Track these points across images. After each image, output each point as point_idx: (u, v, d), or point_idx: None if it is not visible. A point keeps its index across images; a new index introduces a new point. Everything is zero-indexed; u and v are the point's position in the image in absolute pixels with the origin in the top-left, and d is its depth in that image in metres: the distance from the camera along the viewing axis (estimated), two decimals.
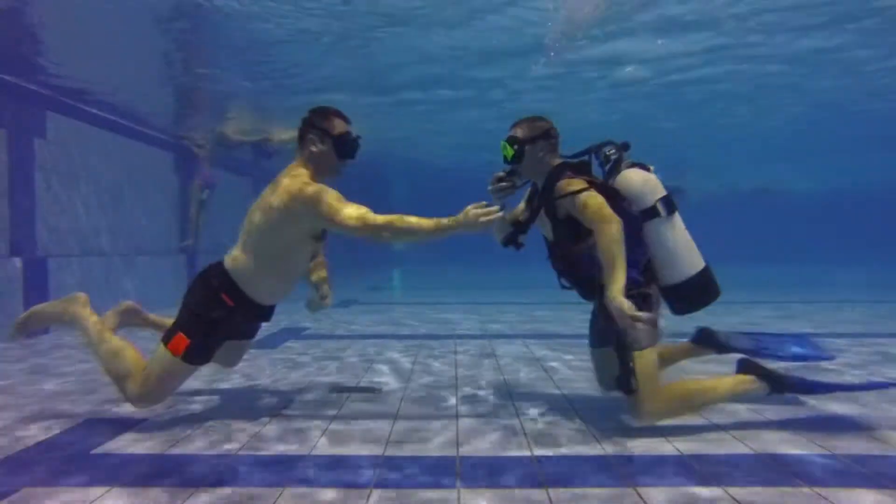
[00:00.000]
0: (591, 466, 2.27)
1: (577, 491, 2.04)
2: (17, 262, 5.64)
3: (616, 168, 2.81)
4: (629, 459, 2.34)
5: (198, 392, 3.46)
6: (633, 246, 2.61)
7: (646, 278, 2.72)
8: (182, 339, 2.71)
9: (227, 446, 2.53)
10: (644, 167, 2.80)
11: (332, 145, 2.79)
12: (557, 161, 2.83)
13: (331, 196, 2.61)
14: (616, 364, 2.63)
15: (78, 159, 6.75)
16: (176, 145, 8.95)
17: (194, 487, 2.08)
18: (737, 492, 2.01)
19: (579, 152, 2.86)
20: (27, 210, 5.98)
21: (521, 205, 3.08)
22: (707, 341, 3.02)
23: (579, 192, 2.58)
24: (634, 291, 2.59)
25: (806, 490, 2.02)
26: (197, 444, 2.57)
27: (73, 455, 2.43)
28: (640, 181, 2.73)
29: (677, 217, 2.75)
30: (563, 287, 2.93)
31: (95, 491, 2.06)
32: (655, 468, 2.25)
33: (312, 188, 2.62)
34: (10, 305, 5.44)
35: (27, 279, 5.69)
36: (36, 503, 1.98)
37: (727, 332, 3.00)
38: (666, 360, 2.95)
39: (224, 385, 3.63)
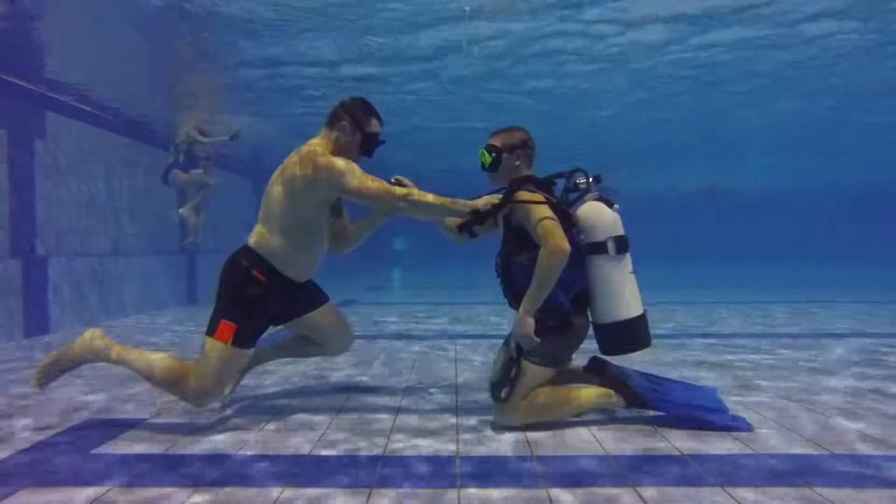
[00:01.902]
0: (592, 466, 2.27)
1: (578, 491, 2.04)
2: (17, 262, 5.64)
3: (582, 197, 2.85)
4: (629, 459, 2.34)
5: None
6: (573, 273, 2.67)
7: (574, 308, 2.74)
8: (228, 326, 2.73)
9: (228, 446, 2.53)
10: (609, 203, 2.83)
11: (360, 140, 2.90)
12: (528, 173, 2.89)
13: (354, 167, 2.73)
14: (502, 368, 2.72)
15: (78, 159, 6.76)
16: (175, 144, 8.93)
17: (194, 487, 2.09)
18: (737, 492, 2.01)
19: (552, 175, 2.90)
20: (27, 210, 5.98)
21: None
22: (600, 374, 2.91)
23: (537, 205, 2.62)
24: (556, 316, 2.67)
25: (806, 490, 2.03)
26: (197, 443, 2.57)
27: (73, 455, 2.43)
28: (600, 216, 2.76)
29: (626, 259, 2.77)
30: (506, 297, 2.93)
31: (95, 491, 2.06)
32: (655, 468, 2.25)
33: (340, 161, 2.74)
34: (10, 305, 5.45)
35: (27, 279, 5.69)
36: (36, 503, 1.98)
37: (624, 369, 2.91)
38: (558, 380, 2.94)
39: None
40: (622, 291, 2.72)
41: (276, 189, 2.81)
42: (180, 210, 8.18)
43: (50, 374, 2.84)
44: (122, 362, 2.81)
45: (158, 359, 2.78)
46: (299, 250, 2.89)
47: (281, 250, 2.83)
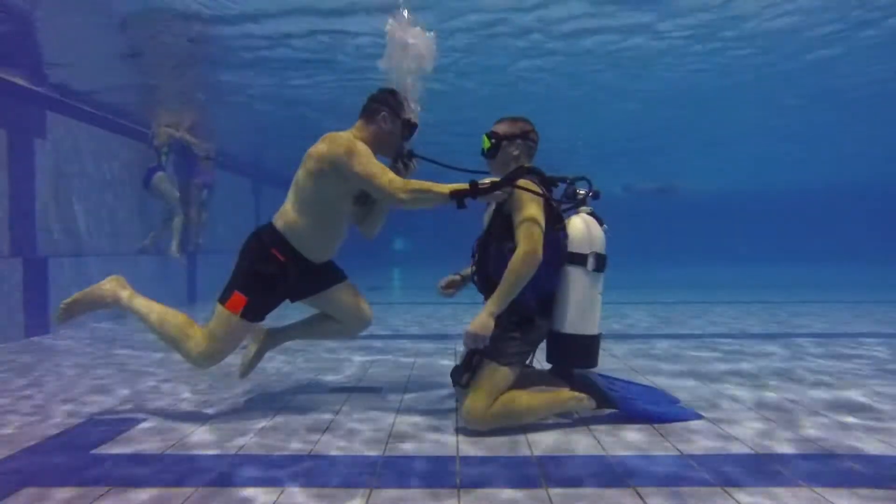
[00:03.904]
0: (592, 466, 2.27)
1: (577, 491, 2.04)
2: (18, 262, 5.64)
3: (575, 207, 2.88)
4: (629, 459, 2.35)
5: (197, 392, 3.46)
6: (548, 274, 2.71)
7: (540, 308, 2.76)
8: (240, 298, 2.82)
9: (227, 446, 2.53)
10: (599, 221, 2.86)
11: (401, 126, 2.98)
12: (527, 165, 2.90)
13: (368, 152, 2.77)
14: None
15: (78, 159, 6.75)
16: (175, 144, 8.93)
17: (194, 487, 2.09)
18: (737, 492, 2.02)
19: (556, 176, 2.91)
20: (27, 210, 5.97)
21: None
22: (567, 377, 2.94)
23: (532, 199, 2.64)
24: (522, 313, 2.71)
25: (806, 490, 2.03)
26: (197, 444, 2.57)
27: (73, 455, 2.43)
28: (587, 230, 2.78)
29: (600, 278, 2.80)
30: (473, 283, 3.00)
31: (95, 491, 2.06)
32: (655, 468, 2.25)
33: (360, 144, 2.77)
34: (10, 305, 5.44)
35: (27, 279, 5.69)
36: (36, 503, 1.98)
37: (587, 373, 2.95)
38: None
39: (223, 385, 3.63)
40: (587, 307, 2.75)
41: (301, 169, 2.86)
42: (172, 250, 8.04)
43: (72, 313, 2.99)
44: (135, 310, 2.95)
45: (171, 314, 2.93)
46: (319, 234, 2.94)
47: (302, 231, 2.88)
